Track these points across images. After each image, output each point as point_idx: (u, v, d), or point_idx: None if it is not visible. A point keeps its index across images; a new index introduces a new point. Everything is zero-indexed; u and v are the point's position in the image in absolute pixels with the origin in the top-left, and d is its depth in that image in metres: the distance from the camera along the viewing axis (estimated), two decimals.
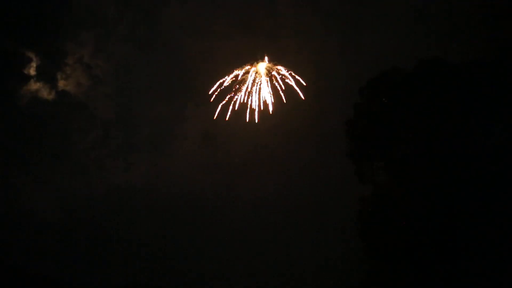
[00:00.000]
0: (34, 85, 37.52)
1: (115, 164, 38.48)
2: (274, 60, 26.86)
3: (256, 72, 26.79)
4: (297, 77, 26.29)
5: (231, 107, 26.86)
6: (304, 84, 26.34)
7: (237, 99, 26.78)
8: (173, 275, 33.48)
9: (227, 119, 27.11)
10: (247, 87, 26.86)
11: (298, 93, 26.23)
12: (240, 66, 26.75)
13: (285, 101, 26.64)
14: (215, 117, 27.18)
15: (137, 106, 40.56)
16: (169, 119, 39.99)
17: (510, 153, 17.43)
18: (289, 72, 26.59)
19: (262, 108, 26.99)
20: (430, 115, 18.76)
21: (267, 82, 26.83)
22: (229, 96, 26.71)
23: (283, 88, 26.53)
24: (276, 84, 26.65)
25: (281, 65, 26.85)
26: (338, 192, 30.75)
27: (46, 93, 37.86)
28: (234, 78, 26.61)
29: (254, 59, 26.70)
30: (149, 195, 36.93)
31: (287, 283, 32.55)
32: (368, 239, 19.08)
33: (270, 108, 26.83)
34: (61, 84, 38.36)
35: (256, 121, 27.04)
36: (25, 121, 37.04)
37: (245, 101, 26.96)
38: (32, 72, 37.55)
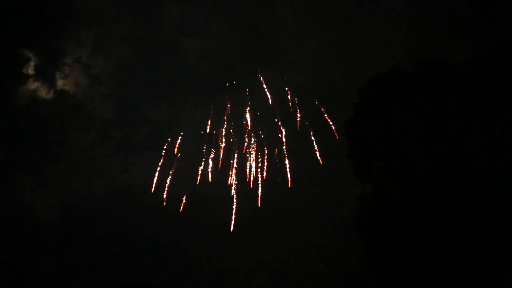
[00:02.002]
0: (32, 85, 37.48)
1: (114, 164, 38.51)
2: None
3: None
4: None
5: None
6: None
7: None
8: (173, 274, 33.49)
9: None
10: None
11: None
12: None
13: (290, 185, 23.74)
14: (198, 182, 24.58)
15: (136, 106, 40.57)
16: (168, 119, 40.00)
17: (510, 153, 17.43)
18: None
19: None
20: (430, 115, 18.75)
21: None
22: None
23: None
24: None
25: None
26: (337, 192, 30.77)
27: (44, 93, 37.83)
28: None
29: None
30: (148, 195, 36.90)
31: (287, 283, 32.58)
32: (367, 239, 19.06)
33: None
34: (60, 83, 38.33)
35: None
36: (23, 121, 37.01)
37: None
38: (31, 71, 37.52)
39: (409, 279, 17.50)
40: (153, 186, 25.40)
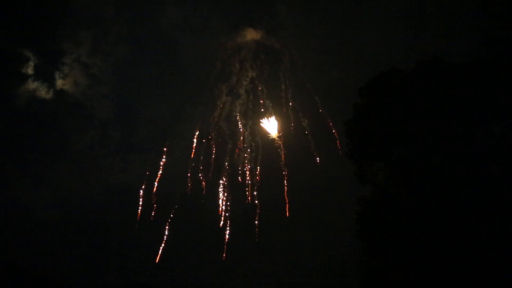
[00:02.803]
0: (31, 85, 37.57)
1: (113, 164, 38.59)
2: None
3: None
4: None
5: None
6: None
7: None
8: (172, 274, 33.50)
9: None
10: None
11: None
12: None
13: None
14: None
15: (135, 106, 40.68)
16: (167, 119, 40.07)
17: (510, 153, 17.44)
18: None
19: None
20: (429, 115, 18.74)
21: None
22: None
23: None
24: None
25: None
26: (338, 192, 30.79)
27: (44, 93, 37.93)
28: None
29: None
30: (147, 195, 36.91)
31: (287, 282, 32.60)
32: (367, 239, 19.05)
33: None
34: (59, 83, 38.47)
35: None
36: (23, 121, 37.05)
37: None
38: (30, 71, 37.64)
39: (410, 279, 17.51)
40: (138, 215, 25.10)
